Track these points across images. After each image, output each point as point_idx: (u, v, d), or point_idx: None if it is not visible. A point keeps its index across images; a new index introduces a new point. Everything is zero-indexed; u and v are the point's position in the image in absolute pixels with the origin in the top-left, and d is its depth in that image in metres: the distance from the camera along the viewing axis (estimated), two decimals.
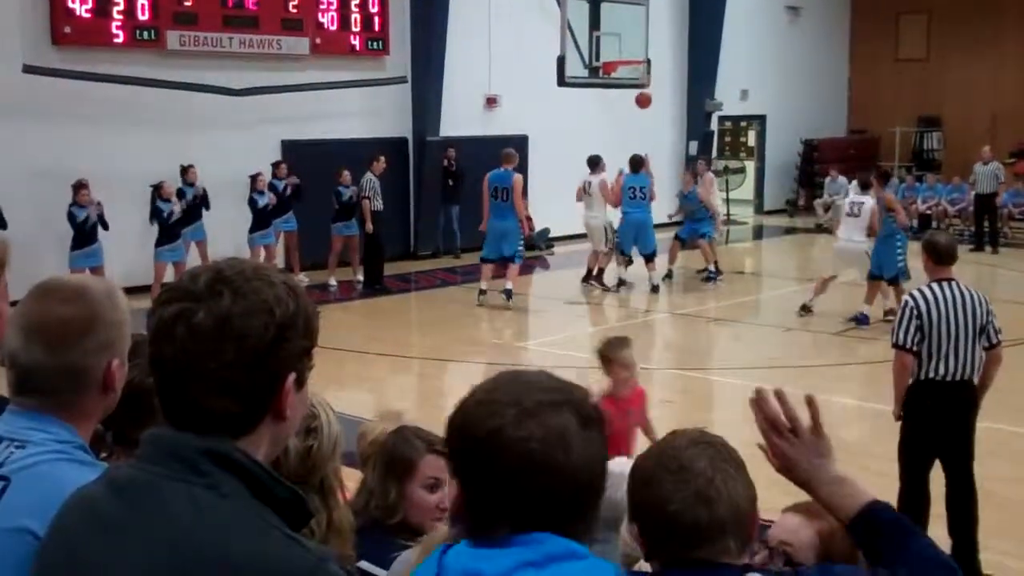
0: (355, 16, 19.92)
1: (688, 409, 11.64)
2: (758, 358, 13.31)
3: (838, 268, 15.87)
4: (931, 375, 7.28)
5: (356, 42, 20.04)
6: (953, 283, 7.36)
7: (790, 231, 26.70)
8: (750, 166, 29.69)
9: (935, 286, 7.35)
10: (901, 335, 7.30)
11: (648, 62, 18.96)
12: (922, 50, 30.55)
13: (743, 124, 30.46)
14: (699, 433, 2.27)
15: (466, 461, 1.87)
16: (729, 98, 27.24)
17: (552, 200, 20.88)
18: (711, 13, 26.09)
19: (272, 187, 17.85)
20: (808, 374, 12.79)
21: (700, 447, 2.22)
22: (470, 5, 21.36)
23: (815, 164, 29.10)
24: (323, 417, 2.87)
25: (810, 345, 14.66)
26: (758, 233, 27.25)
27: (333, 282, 18.14)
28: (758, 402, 2.40)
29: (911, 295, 7.48)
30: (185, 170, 16.92)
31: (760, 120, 29.59)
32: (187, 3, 17.60)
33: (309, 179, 18.22)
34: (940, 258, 7.48)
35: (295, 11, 19.01)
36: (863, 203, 15.17)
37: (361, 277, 18.53)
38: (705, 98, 26.51)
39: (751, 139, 30.66)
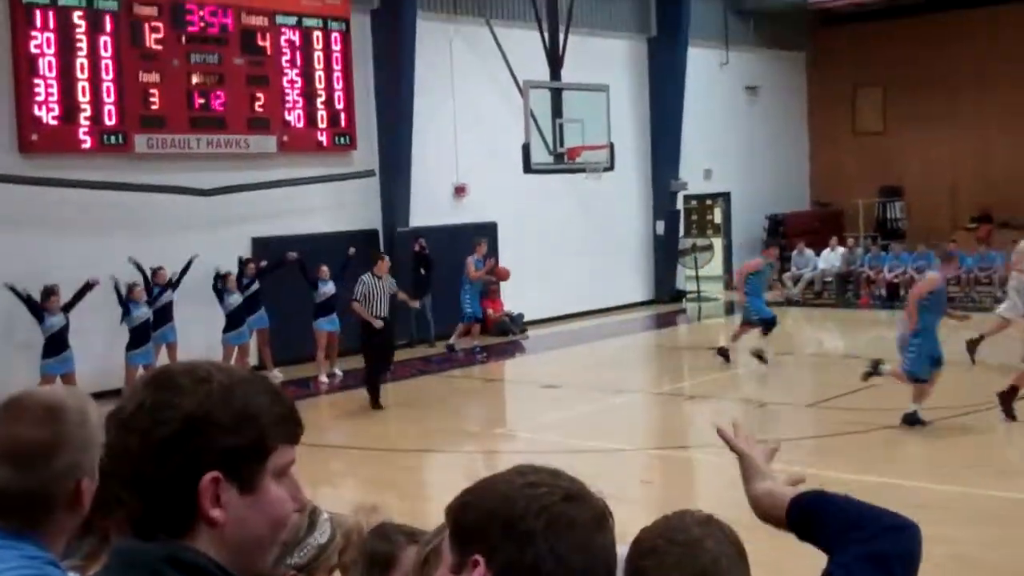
0: (321, 113, 20.07)
1: (668, 489, 11.58)
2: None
3: None
4: None
5: (323, 138, 20.18)
6: None
7: None
8: (717, 243, 29.89)
9: None
10: None
11: (611, 146, 19.18)
12: (879, 123, 31.02)
13: (708, 202, 30.75)
14: (707, 516, 2.26)
15: (509, 545, 1.77)
16: (693, 177, 27.51)
17: (524, 284, 20.95)
18: (671, 95, 26.44)
19: (240, 285, 17.78)
20: (784, 447, 12.78)
21: (709, 527, 2.20)
22: (435, 96, 21.59)
23: (782, 238, 29.32)
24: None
25: (786, 419, 14.65)
26: (729, 309, 27.34)
27: (324, 378, 17.99)
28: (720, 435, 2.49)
29: None
30: (154, 272, 16.87)
31: (725, 197, 29.87)
32: (154, 107, 17.71)
33: (280, 276, 18.22)
34: None
35: (261, 110, 19.14)
36: None
37: (338, 371, 18.43)
38: (669, 178, 26.77)
39: (717, 216, 30.92)
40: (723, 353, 18.22)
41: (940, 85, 29.34)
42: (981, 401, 13.92)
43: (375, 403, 15.74)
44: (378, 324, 15.73)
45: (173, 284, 16.93)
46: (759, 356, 17.37)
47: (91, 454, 2.31)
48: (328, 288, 18.12)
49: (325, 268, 18.07)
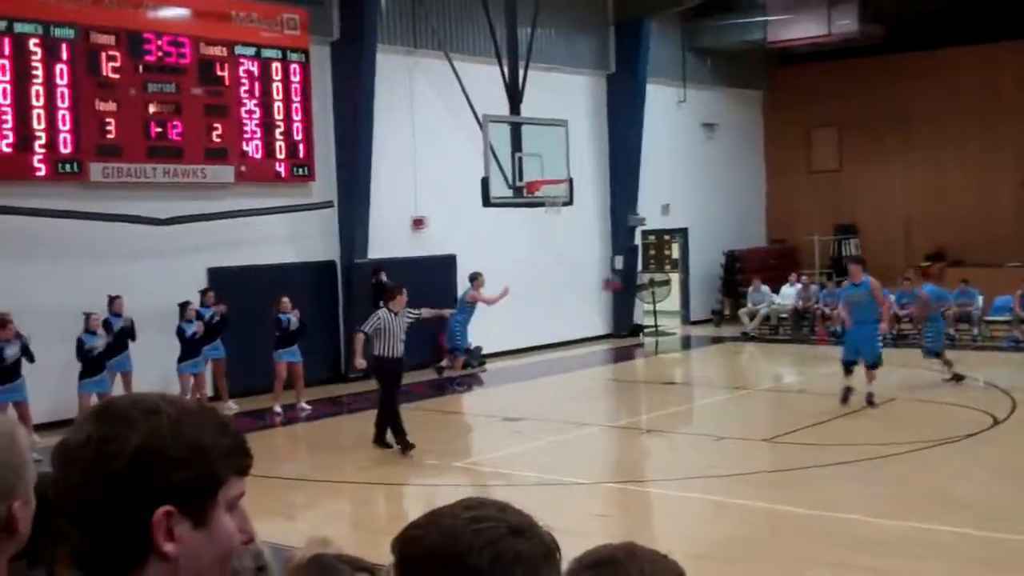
0: (280, 143, 19.97)
1: (625, 523, 11.50)
2: (695, 468, 13.24)
3: None
4: None
5: (281, 169, 20.07)
6: None
7: (717, 340, 26.90)
8: (675, 278, 29.99)
9: None
10: None
11: (570, 180, 19.20)
12: (835, 161, 31.32)
13: (666, 237, 30.87)
14: (631, 544, 2.19)
15: None
16: (651, 212, 27.61)
17: (482, 317, 20.87)
18: (630, 131, 26.58)
19: (199, 315, 17.64)
20: (740, 482, 12.76)
21: (661, 562, 2.12)
22: (395, 129, 21.56)
23: (738, 274, 29.47)
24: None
25: (743, 453, 14.63)
26: (686, 343, 27.42)
27: (279, 408, 17.79)
28: None
29: None
30: (111, 301, 16.71)
31: (683, 233, 29.99)
32: (110, 135, 17.55)
33: (236, 306, 18.07)
34: None
35: (219, 140, 19.02)
36: None
37: (305, 404, 18.26)
38: (628, 213, 26.85)
39: (675, 252, 31.04)
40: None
41: (895, 124, 29.69)
42: (937, 437, 13.99)
43: (380, 440, 15.02)
44: (360, 364, 15.32)
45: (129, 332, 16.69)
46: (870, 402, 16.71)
47: (23, 475, 2.23)
48: (292, 321, 17.97)
49: (286, 300, 17.93)
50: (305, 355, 18.27)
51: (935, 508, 11.41)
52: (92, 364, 15.86)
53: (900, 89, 29.36)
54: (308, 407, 18.16)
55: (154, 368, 17.10)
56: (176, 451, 1.68)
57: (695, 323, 29.60)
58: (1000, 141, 28.48)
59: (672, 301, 29.63)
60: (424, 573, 1.74)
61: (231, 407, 17.39)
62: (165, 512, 1.66)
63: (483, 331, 21.77)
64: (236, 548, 1.78)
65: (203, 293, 18.06)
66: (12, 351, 14.88)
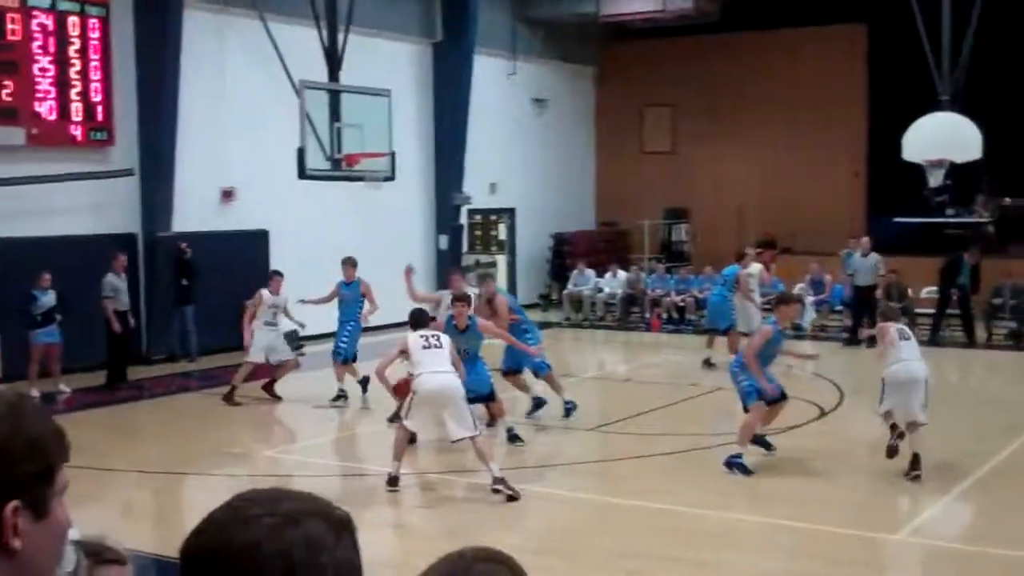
0: (76, 105, 19.37)
1: (447, 516, 11.55)
2: (516, 458, 13.37)
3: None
4: None
5: (77, 132, 19.48)
6: None
7: (544, 325, 27.19)
8: (502, 260, 30.20)
9: None
10: None
11: (393, 154, 19.15)
12: (667, 142, 31.97)
13: (493, 218, 31.01)
14: (490, 552, 2.20)
15: None
16: (478, 191, 27.74)
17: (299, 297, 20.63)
18: (456, 104, 26.63)
19: (33, 298, 17.10)
20: (565, 472, 12.94)
21: (492, 564, 2.14)
22: (203, 93, 21.14)
23: (566, 258, 29.83)
24: None
25: (570, 442, 14.84)
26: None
27: (35, 392, 17.16)
28: None
29: None
30: None
31: (510, 213, 30.21)
32: None
33: (20, 281, 17.43)
34: None
35: (9, 99, 18.36)
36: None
37: (65, 387, 17.81)
38: (453, 191, 26.92)
39: (502, 233, 31.21)
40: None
41: (730, 106, 30.48)
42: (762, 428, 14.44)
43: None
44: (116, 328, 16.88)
45: None
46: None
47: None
48: (48, 299, 17.45)
49: (48, 276, 17.38)
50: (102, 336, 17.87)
51: (758, 499, 11.81)
52: None
53: (735, 70, 30.15)
54: (67, 390, 17.83)
55: None
56: (17, 445, 1.72)
57: (523, 307, 29.79)
58: (834, 126, 29.49)
59: (498, 284, 29.78)
60: (205, 566, 1.75)
61: (63, 389, 17.66)
62: (14, 508, 1.70)
63: (300, 312, 21.53)
64: (67, 535, 1.86)
65: (38, 276, 17.36)
66: None
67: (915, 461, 12.09)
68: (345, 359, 17.50)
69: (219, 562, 1.74)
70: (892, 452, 12.38)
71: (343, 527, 1.80)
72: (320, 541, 1.75)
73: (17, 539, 1.71)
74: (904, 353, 12.44)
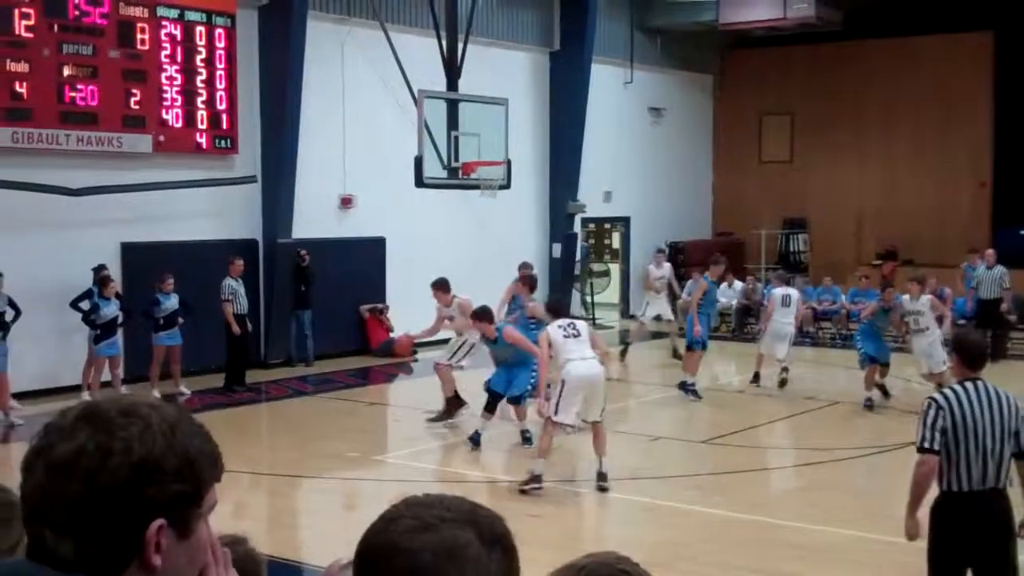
0: (201, 113, 19.86)
1: (557, 524, 11.65)
2: (623, 468, 13.42)
3: None
4: (957, 485, 7.00)
5: (203, 140, 19.96)
6: (980, 383, 7.08)
7: (657, 336, 27.12)
8: (615, 269, 30.19)
9: (962, 386, 7.10)
10: (926, 435, 6.99)
11: (508, 162, 19.29)
12: (786, 152, 31.68)
13: (607, 226, 31.03)
14: (616, 557, 2.28)
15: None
16: (592, 199, 27.79)
17: (411, 304, 20.87)
18: (572, 113, 26.70)
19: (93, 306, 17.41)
20: (674, 484, 12.96)
21: (617, 571, 2.22)
22: (323, 102, 21.51)
23: (681, 267, 29.67)
24: None
25: (679, 454, 14.85)
26: (623, 338, 27.60)
27: (156, 394, 17.64)
28: None
29: (937, 395, 7.19)
30: None
31: (624, 222, 30.18)
32: (21, 98, 17.37)
33: (144, 284, 18.11)
34: (971, 358, 7.20)
35: (137, 107, 18.87)
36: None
37: (185, 389, 18.34)
38: (568, 199, 26.99)
39: (615, 241, 31.20)
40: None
41: (850, 115, 30.11)
42: (879, 444, 14.29)
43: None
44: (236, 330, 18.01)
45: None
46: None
47: None
48: (171, 302, 18.00)
49: (171, 280, 17.97)
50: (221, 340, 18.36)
51: (870, 516, 11.69)
52: None
53: (856, 78, 29.77)
54: (186, 391, 18.33)
55: (58, 347, 16.99)
56: (172, 463, 1.75)
57: (634, 317, 29.78)
58: (959, 136, 28.96)
59: (611, 293, 29.82)
60: (359, 560, 1.82)
61: (183, 391, 18.16)
62: (159, 526, 1.73)
63: (414, 319, 21.80)
64: (208, 557, 1.84)
65: (160, 280, 17.95)
66: None
67: None
68: None
69: (379, 560, 1.79)
70: None
71: (496, 541, 1.85)
72: (471, 555, 1.79)
73: (158, 556, 1.73)
74: None
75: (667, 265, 23.85)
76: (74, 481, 1.71)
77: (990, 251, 23.13)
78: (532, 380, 14.50)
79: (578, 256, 27.86)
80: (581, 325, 12.84)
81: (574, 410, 12.40)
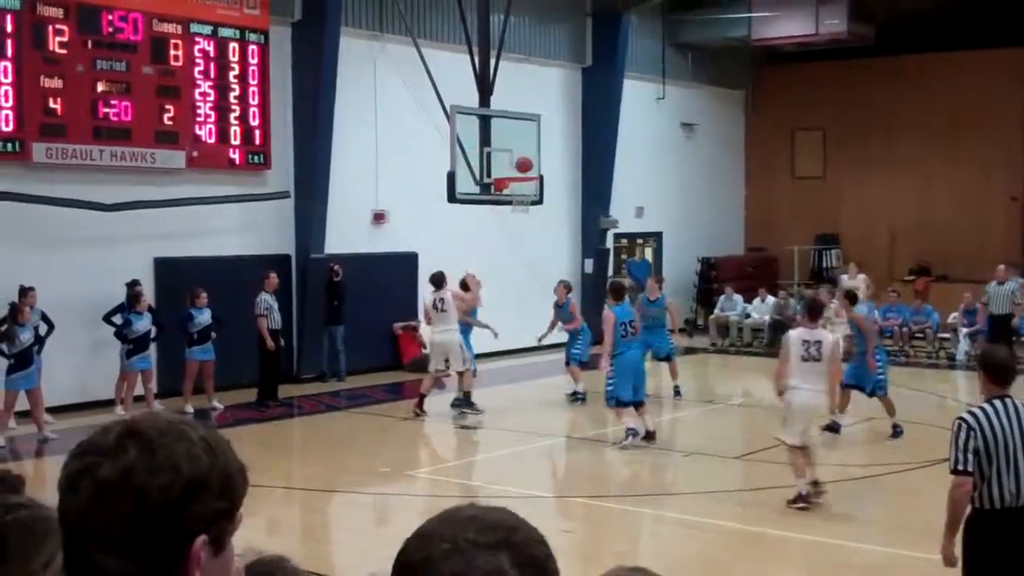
0: (235, 129, 19.90)
1: (590, 539, 11.54)
2: (658, 484, 13.30)
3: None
4: (990, 503, 6.87)
5: (236, 155, 20.00)
6: (1008, 400, 6.96)
7: (690, 351, 26.96)
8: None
9: (991, 404, 6.96)
10: (960, 457, 6.84)
11: (541, 178, 19.22)
12: (818, 167, 31.52)
13: (639, 241, 30.89)
14: (634, 568, 2.20)
15: None
16: (624, 215, 27.69)
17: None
18: (605, 128, 26.64)
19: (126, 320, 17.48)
20: (709, 500, 12.82)
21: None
22: (356, 118, 21.53)
23: (713, 283, 29.57)
24: None
25: (714, 470, 14.70)
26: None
27: (190, 409, 17.65)
28: None
29: (967, 414, 6.98)
30: (24, 292, 16.24)
31: (657, 237, 30.08)
32: (55, 114, 17.44)
33: (177, 299, 18.10)
34: (999, 375, 7.04)
35: (170, 123, 18.92)
36: (820, 342, 12.37)
37: (217, 404, 18.32)
38: (600, 215, 26.91)
39: (648, 257, 31.06)
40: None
41: (883, 130, 29.95)
42: (916, 460, 14.11)
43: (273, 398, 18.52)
44: (270, 346, 18.47)
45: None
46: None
47: None
48: (204, 317, 17.97)
49: (204, 295, 17.96)
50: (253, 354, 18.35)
51: (907, 533, 11.52)
52: (22, 358, 15.64)
53: (889, 93, 29.60)
54: (219, 406, 18.34)
55: (90, 361, 17.01)
56: (215, 480, 1.77)
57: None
58: (991, 152, 28.76)
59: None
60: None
61: (216, 406, 18.24)
62: (203, 542, 1.74)
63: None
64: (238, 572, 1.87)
65: (194, 295, 17.99)
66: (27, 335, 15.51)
67: None
68: (580, 361, 19.43)
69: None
70: None
71: (531, 566, 1.77)
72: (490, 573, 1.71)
73: (199, 572, 1.75)
74: None
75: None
76: (124, 500, 1.71)
77: (1001, 267, 23.09)
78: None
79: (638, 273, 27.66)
80: (823, 349, 12.29)
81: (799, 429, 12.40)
